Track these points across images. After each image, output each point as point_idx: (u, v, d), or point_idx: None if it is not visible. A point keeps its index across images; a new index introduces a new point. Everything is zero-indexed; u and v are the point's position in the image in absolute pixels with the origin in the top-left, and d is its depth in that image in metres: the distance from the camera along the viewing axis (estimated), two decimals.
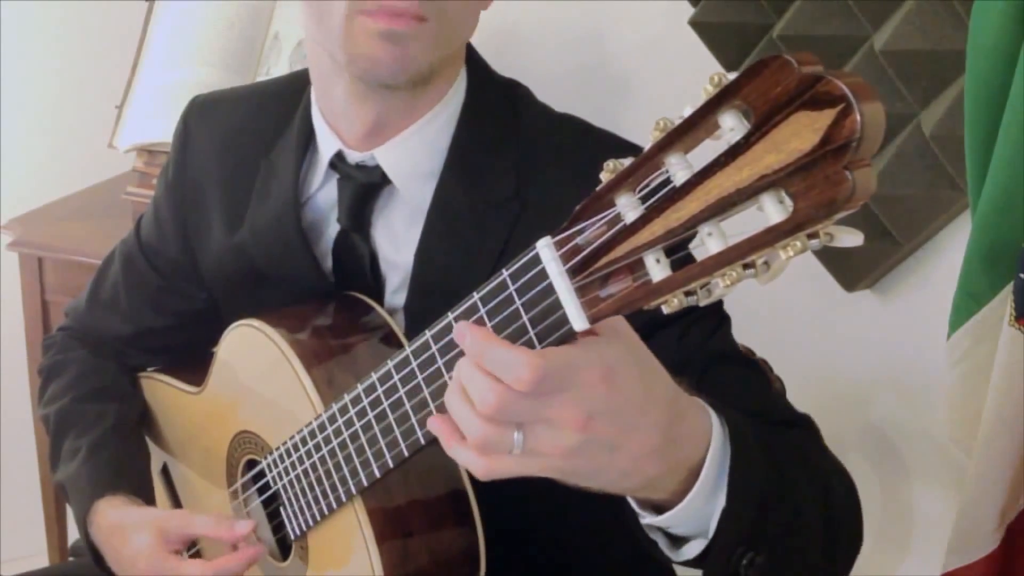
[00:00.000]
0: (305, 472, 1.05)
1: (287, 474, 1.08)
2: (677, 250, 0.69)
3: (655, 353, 0.93)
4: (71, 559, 2.07)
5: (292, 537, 1.11)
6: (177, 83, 1.93)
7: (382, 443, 0.95)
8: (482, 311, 0.82)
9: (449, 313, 0.86)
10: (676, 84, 1.85)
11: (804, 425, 1.04)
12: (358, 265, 1.15)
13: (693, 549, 0.84)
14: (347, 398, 0.97)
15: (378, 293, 1.14)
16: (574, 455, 0.74)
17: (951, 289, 1.39)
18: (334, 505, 1.03)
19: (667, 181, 0.67)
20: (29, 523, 2.19)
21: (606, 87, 2.05)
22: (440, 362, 0.87)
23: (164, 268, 1.29)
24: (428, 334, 0.88)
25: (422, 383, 0.89)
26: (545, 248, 0.74)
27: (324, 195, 1.15)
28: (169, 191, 1.26)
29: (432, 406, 0.89)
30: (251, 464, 1.17)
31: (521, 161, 1.08)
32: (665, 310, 0.69)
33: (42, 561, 2.08)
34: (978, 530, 1.39)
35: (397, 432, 0.92)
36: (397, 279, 1.14)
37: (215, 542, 1.24)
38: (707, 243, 0.65)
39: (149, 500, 1.23)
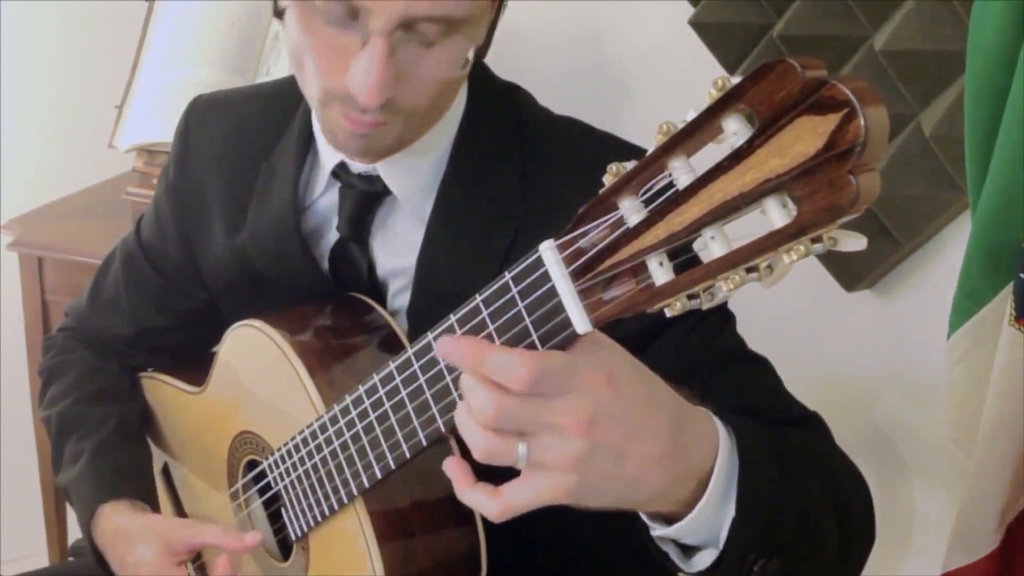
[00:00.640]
0: (307, 473, 1.05)
1: (289, 475, 1.08)
2: (680, 253, 0.69)
3: (661, 353, 0.96)
4: (71, 559, 2.07)
5: (293, 538, 1.11)
6: (177, 83, 1.93)
7: (384, 444, 0.95)
8: (484, 313, 0.82)
9: (452, 315, 0.86)
10: (676, 84, 1.85)
11: (814, 423, 1.03)
12: (356, 274, 1.14)
13: (705, 559, 0.83)
14: (349, 399, 0.97)
15: (378, 300, 1.14)
16: (581, 465, 0.73)
17: (951, 289, 1.39)
18: (336, 506, 1.04)
19: (670, 184, 0.67)
20: (29, 523, 2.19)
21: (606, 87, 2.05)
22: (442, 364, 0.87)
23: (165, 268, 1.29)
24: (430, 336, 0.88)
25: (424, 385, 0.89)
26: (548, 251, 0.74)
27: (326, 201, 1.15)
28: (170, 192, 1.26)
29: (434, 408, 0.89)
30: (252, 464, 1.17)
31: (524, 165, 1.08)
32: (668, 313, 0.69)
33: (42, 561, 2.08)
34: (978, 530, 1.39)
35: (399, 433, 0.92)
36: (397, 285, 1.14)
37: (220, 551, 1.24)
38: (710, 247, 0.66)
39: (152, 503, 1.23)
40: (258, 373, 1.13)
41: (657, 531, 0.83)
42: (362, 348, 1.10)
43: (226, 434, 1.19)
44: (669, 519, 0.82)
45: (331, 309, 1.15)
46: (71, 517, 1.29)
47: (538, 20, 2.03)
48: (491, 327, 0.82)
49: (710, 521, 0.81)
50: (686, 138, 0.66)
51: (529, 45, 2.01)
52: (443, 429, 0.90)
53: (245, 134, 1.21)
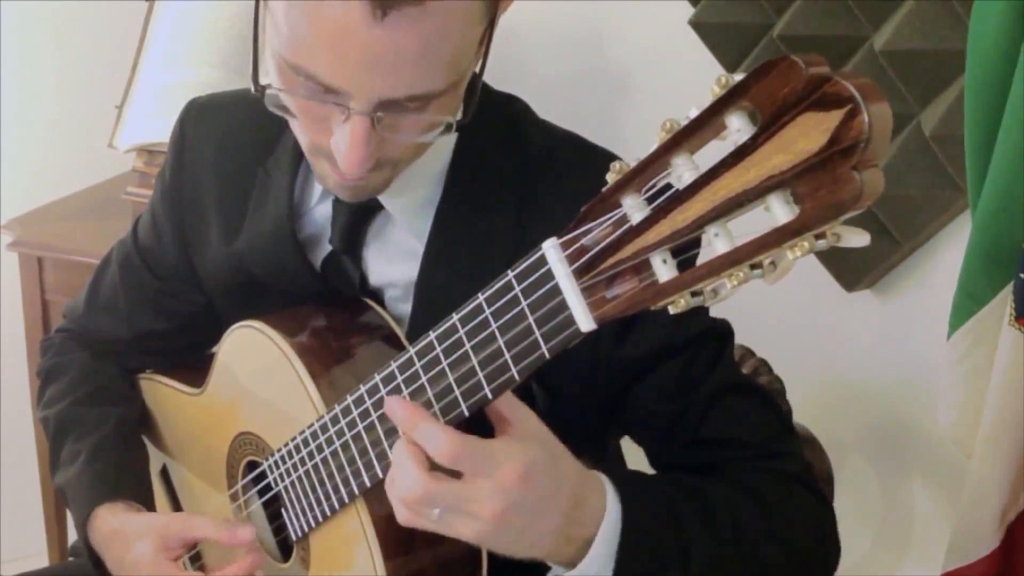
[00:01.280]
0: (307, 473, 1.05)
1: (289, 475, 1.08)
2: (684, 251, 0.69)
3: (659, 382, 1.04)
4: (71, 559, 2.07)
5: (294, 538, 1.11)
6: (177, 83, 1.93)
7: (385, 444, 0.95)
8: (487, 312, 0.82)
9: (454, 314, 0.86)
10: (676, 85, 1.85)
11: (788, 460, 1.07)
12: (347, 286, 1.14)
13: None
14: (350, 399, 0.97)
15: None
16: (485, 537, 0.86)
17: (951, 289, 1.39)
18: (336, 506, 1.03)
19: (673, 182, 0.67)
20: (29, 523, 2.19)
21: (606, 88, 2.05)
22: (444, 363, 0.87)
23: (162, 271, 1.28)
24: (432, 335, 0.88)
25: (427, 384, 0.89)
26: (551, 249, 0.74)
27: (322, 210, 1.14)
28: (166, 196, 1.25)
29: (436, 407, 0.89)
30: (252, 465, 1.17)
31: (521, 187, 1.07)
32: (671, 310, 0.69)
33: (42, 561, 2.08)
34: (978, 530, 1.39)
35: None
36: (392, 294, 1.13)
37: (216, 545, 1.24)
38: (714, 244, 0.66)
39: (149, 505, 1.23)
40: (258, 374, 1.13)
41: (557, 570, 0.93)
42: (362, 348, 1.10)
43: (226, 435, 1.19)
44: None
45: (331, 309, 1.14)
46: (71, 517, 1.29)
47: (538, 21, 2.03)
48: (494, 325, 0.82)
49: (602, 567, 0.91)
50: (689, 135, 0.66)
51: (529, 46, 2.01)
52: None
53: (242, 138, 1.19)
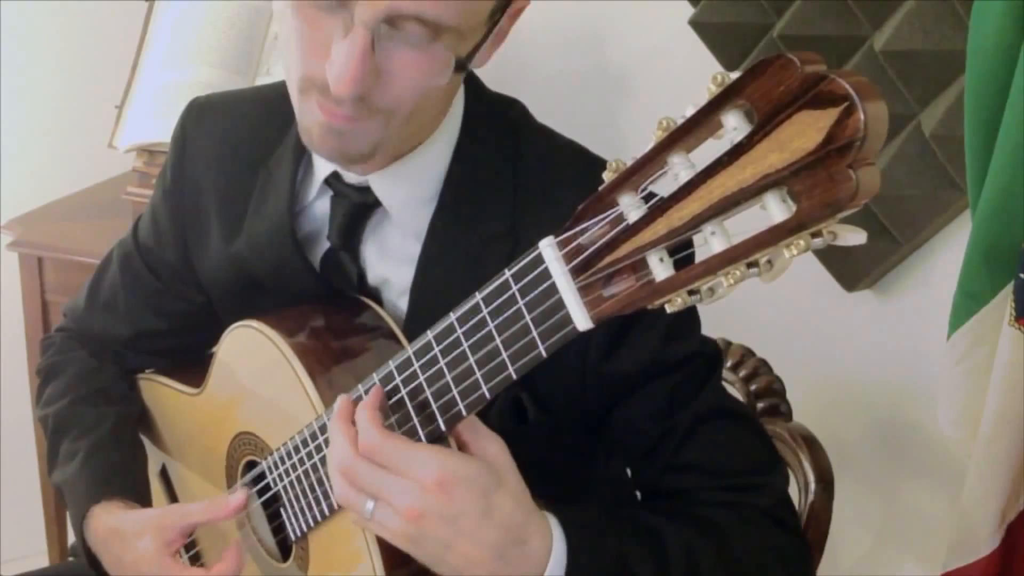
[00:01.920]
0: (306, 473, 1.05)
1: (288, 475, 1.08)
2: (680, 249, 0.69)
3: (645, 401, 1.04)
4: (71, 559, 2.07)
5: (293, 538, 1.11)
6: (177, 83, 1.93)
7: None
8: (485, 311, 0.82)
9: (451, 314, 0.86)
10: (676, 84, 1.85)
11: (764, 492, 1.06)
12: (346, 283, 1.14)
13: None
14: (341, 399, 0.97)
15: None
16: (411, 541, 0.88)
17: (951, 289, 1.39)
18: (335, 505, 1.03)
19: (670, 180, 0.67)
20: (29, 523, 2.19)
21: (606, 87, 2.05)
22: (442, 362, 0.87)
23: (162, 271, 1.28)
24: (430, 335, 0.88)
25: (424, 383, 0.89)
26: (548, 248, 0.74)
27: (320, 207, 1.14)
28: (167, 196, 1.25)
29: (434, 406, 0.89)
30: (251, 465, 1.17)
31: (516, 196, 1.06)
32: (668, 309, 0.69)
33: (42, 561, 2.08)
34: (978, 530, 1.39)
35: (398, 432, 0.92)
36: (389, 293, 1.13)
37: (214, 538, 1.24)
38: (710, 242, 0.66)
39: (147, 505, 1.22)
40: (257, 373, 1.13)
41: None
42: (361, 348, 1.10)
43: (225, 435, 1.19)
44: None
45: (330, 309, 1.14)
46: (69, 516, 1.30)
47: (538, 20, 2.02)
48: (491, 324, 0.82)
49: None
50: (685, 134, 0.66)
51: (529, 46, 2.01)
52: (442, 428, 0.90)
53: (243, 138, 1.19)
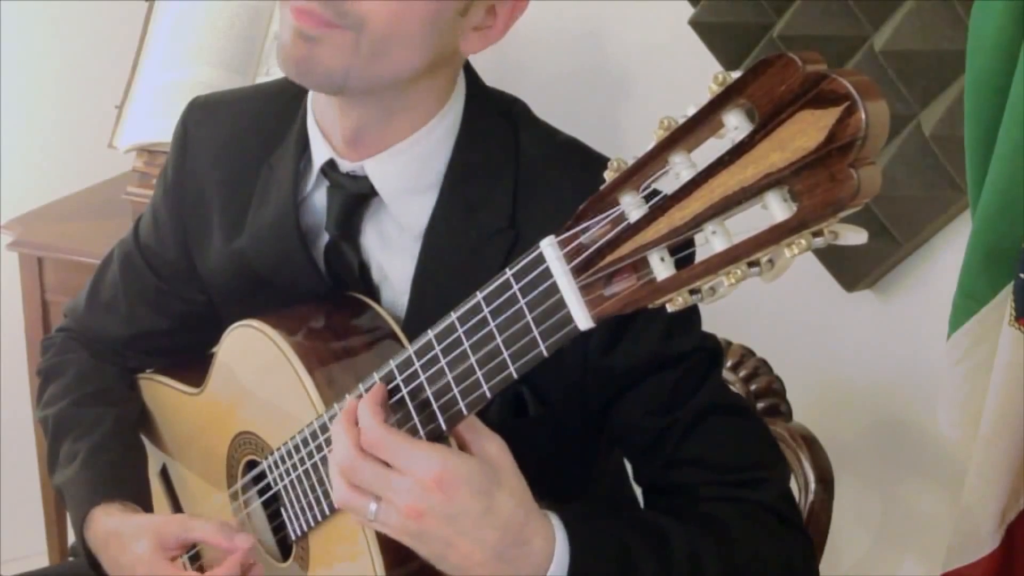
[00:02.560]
0: (307, 473, 1.05)
1: (288, 475, 1.08)
2: (681, 248, 0.69)
3: (646, 396, 1.04)
4: (71, 559, 2.07)
5: (293, 538, 1.11)
6: (177, 83, 1.93)
7: None
8: (486, 311, 0.82)
9: (452, 313, 0.86)
10: (676, 84, 1.85)
11: (763, 487, 1.05)
12: (349, 274, 1.14)
13: None
14: (349, 399, 0.97)
15: (373, 300, 1.14)
16: (413, 538, 0.89)
17: (951, 289, 1.39)
18: (336, 506, 1.03)
19: (671, 180, 0.67)
20: (29, 523, 2.19)
21: (605, 87, 2.05)
22: (443, 361, 0.88)
23: (163, 270, 1.28)
24: (431, 334, 0.89)
25: (425, 383, 0.89)
26: (549, 247, 0.74)
27: (319, 198, 1.14)
28: (168, 195, 1.25)
29: (434, 405, 0.89)
30: (251, 465, 1.17)
31: (517, 191, 1.06)
32: (669, 308, 0.69)
33: (42, 561, 2.08)
34: (978, 530, 1.39)
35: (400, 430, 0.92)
36: (389, 290, 1.13)
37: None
38: (712, 241, 0.66)
39: (147, 506, 1.22)
40: (257, 373, 1.13)
41: None
42: (362, 347, 1.10)
43: (225, 435, 1.19)
44: None
45: (330, 308, 1.14)
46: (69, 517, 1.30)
47: (538, 20, 2.02)
48: (492, 324, 0.82)
49: None
50: (687, 133, 0.66)
51: (529, 45, 2.01)
52: (443, 427, 0.90)
53: (244, 136, 1.19)
